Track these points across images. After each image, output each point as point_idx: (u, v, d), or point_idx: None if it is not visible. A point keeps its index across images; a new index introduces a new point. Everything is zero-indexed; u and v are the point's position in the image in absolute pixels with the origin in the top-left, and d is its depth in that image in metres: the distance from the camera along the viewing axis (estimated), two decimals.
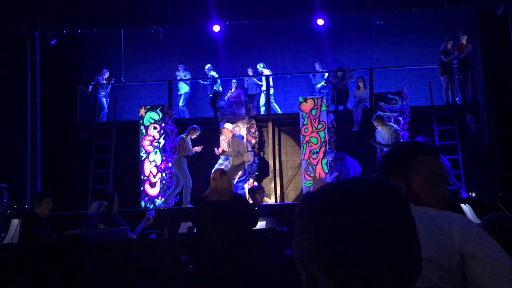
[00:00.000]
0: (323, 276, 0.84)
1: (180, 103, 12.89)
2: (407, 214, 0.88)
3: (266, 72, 12.92)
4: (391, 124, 10.01)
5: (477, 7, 10.70)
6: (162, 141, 11.16)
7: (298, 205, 0.93)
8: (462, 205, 6.99)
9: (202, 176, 10.84)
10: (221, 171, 5.42)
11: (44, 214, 6.58)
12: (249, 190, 8.19)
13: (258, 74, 12.98)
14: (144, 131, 11.25)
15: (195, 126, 10.31)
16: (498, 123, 10.79)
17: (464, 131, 11.41)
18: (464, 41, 11.28)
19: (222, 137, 10.98)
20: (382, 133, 9.58)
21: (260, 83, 12.93)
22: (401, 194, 0.89)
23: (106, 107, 12.72)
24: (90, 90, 12.73)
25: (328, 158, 10.55)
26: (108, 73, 12.86)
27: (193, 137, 10.26)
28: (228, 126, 10.67)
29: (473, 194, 10.27)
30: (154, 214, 6.59)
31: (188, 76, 12.91)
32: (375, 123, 9.62)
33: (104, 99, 12.70)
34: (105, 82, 12.78)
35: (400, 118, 10.70)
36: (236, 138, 10.44)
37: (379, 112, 10.37)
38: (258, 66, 12.96)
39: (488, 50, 11.18)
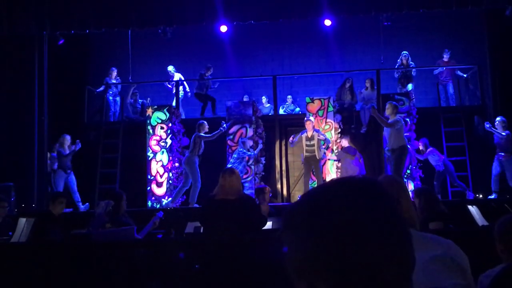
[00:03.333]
0: (321, 283, 0.82)
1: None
2: (393, 211, 0.86)
3: (177, 76, 12.90)
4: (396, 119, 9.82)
5: (485, 8, 10.64)
6: (169, 141, 11.17)
7: (281, 221, 0.91)
8: (469, 207, 6.91)
9: (210, 176, 10.79)
10: (231, 170, 5.44)
11: (57, 213, 6.68)
12: (256, 190, 8.19)
13: (259, 75, 12.97)
14: (151, 131, 11.27)
15: (202, 121, 10.37)
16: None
17: (471, 132, 11.37)
18: (445, 59, 12.00)
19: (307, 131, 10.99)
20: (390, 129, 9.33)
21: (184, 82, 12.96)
22: (386, 192, 0.88)
23: (114, 107, 12.74)
24: (98, 89, 12.75)
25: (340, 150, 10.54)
26: (116, 70, 12.84)
27: (203, 132, 10.29)
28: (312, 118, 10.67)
29: (480, 196, 10.24)
30: (162, 215, 6.60)
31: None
32: (387, 106, 9.35)
33: (111, 98, 12.71)
34: (114, 81, 12.80)
35: (408, 119, 10.65)
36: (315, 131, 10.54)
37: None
38: (169, 69, 12.95)
39: (496, 52, 11.12)
